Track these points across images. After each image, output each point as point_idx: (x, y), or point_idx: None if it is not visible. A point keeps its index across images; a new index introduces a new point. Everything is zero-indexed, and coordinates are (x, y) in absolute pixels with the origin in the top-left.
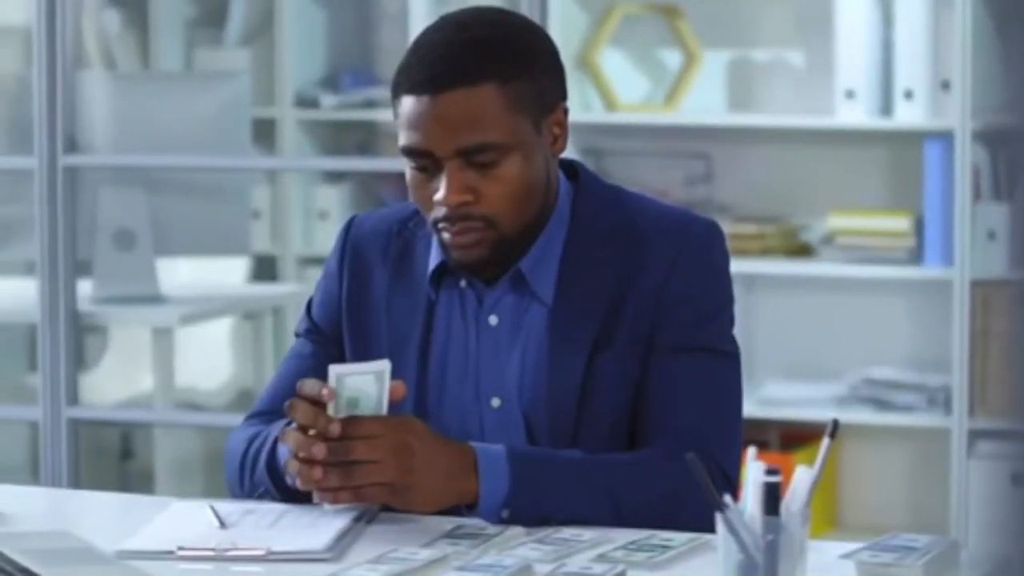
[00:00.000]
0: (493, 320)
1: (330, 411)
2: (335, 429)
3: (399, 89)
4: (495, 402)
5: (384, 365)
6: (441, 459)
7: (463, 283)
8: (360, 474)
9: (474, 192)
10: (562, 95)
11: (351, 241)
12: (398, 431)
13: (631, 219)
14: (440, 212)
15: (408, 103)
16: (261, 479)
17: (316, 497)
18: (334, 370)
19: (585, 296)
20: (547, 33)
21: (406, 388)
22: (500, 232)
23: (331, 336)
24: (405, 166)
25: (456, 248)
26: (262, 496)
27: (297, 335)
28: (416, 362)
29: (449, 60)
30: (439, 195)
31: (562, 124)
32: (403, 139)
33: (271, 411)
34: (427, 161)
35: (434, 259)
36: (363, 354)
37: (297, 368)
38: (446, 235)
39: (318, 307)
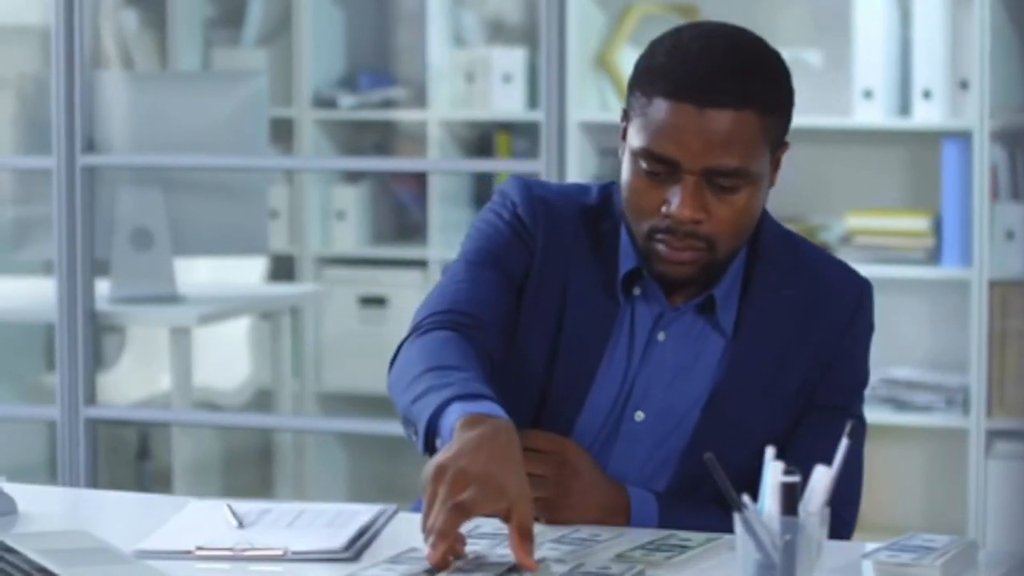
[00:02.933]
0: (661, 336)
1: None
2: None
3: (654, 89)
4: (639, 416)
5: None
6: (599, 490)
7: (637, 291)
8: None
9: (706, 211)
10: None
11: (541, 205)
12: (566, 450)
13: (809, 261)
14: (664, 223)
15: (664, 107)
16: (416, 419)
17: None
18: None
19: (765, 336)
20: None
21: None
22: (715, 256)
23: (514, 276)
24: (628, 163)
25: (669, 262)
26: (407, 428)
27: (464, 262)
28: (590, 367)
29: (722, 77)
30: (673, 207)
31: (779, 162)
32: (647, 141)
33: (451, 311)
34: (665, 168)
35: (625, 264)
36: (531, 329)
37: (479, 282)
38: (661, 246)
39: (502, 247)
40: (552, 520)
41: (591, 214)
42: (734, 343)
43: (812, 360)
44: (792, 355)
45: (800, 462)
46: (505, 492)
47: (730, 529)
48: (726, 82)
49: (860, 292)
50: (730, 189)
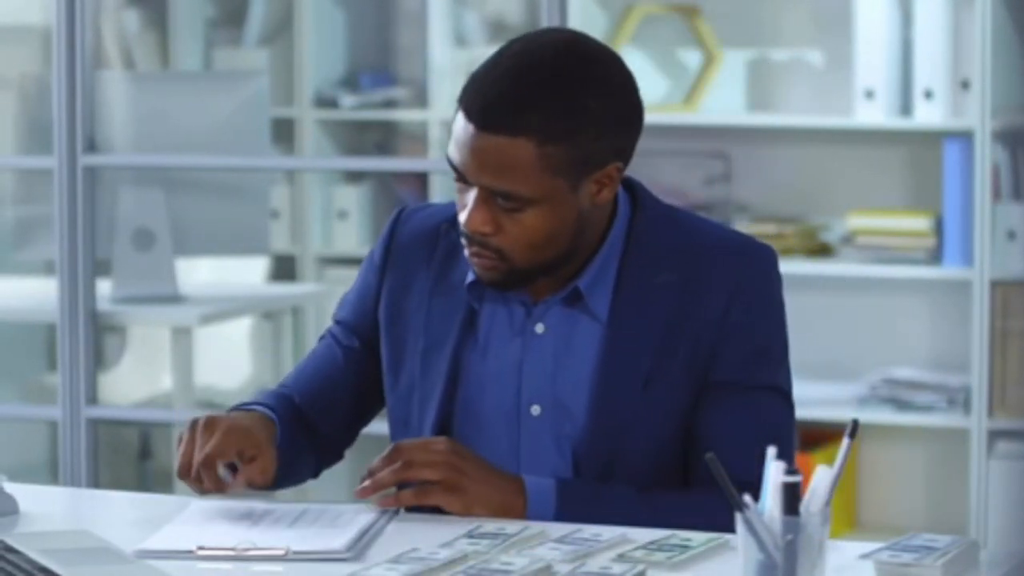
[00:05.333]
0: (539, 328)
1: None
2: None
3: (461, 97)
4: (535, 410)
5: None
6: (491, 472)
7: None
8: (414, 471)
9: (494, 224)
10: (618, 154)
11: (398, 236)
12: (449, 441)
13: (688, 243)
14: (465, 228)
15: (459, 120)
16: None
17: (376, 501)
18: None
19: (642, 322)
20: (623, 86)
21: None
22: (512, 266)
23: (356, 329)
24: None
25: (473, 265)
26: None
27: (336, 322)
28: (447, 367)
29: (500, 103)
30: (463, 216)
31: (612, 178)
32: (449, 147)
33: (288, 395)
34: (461, 177)
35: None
36: (396, 353)
37: (321, 359)
38: (466, 251)
39: (355, 298)
40: (448, 501)
41: (454, 221)
42: (609, 330)
43: (695, 343)
44: (672, 342)
45: (704, 442)
46: (250, 436)
47: (641, 516)
48: (502, 109)
49: (745, 261)
50: (513, 209)
